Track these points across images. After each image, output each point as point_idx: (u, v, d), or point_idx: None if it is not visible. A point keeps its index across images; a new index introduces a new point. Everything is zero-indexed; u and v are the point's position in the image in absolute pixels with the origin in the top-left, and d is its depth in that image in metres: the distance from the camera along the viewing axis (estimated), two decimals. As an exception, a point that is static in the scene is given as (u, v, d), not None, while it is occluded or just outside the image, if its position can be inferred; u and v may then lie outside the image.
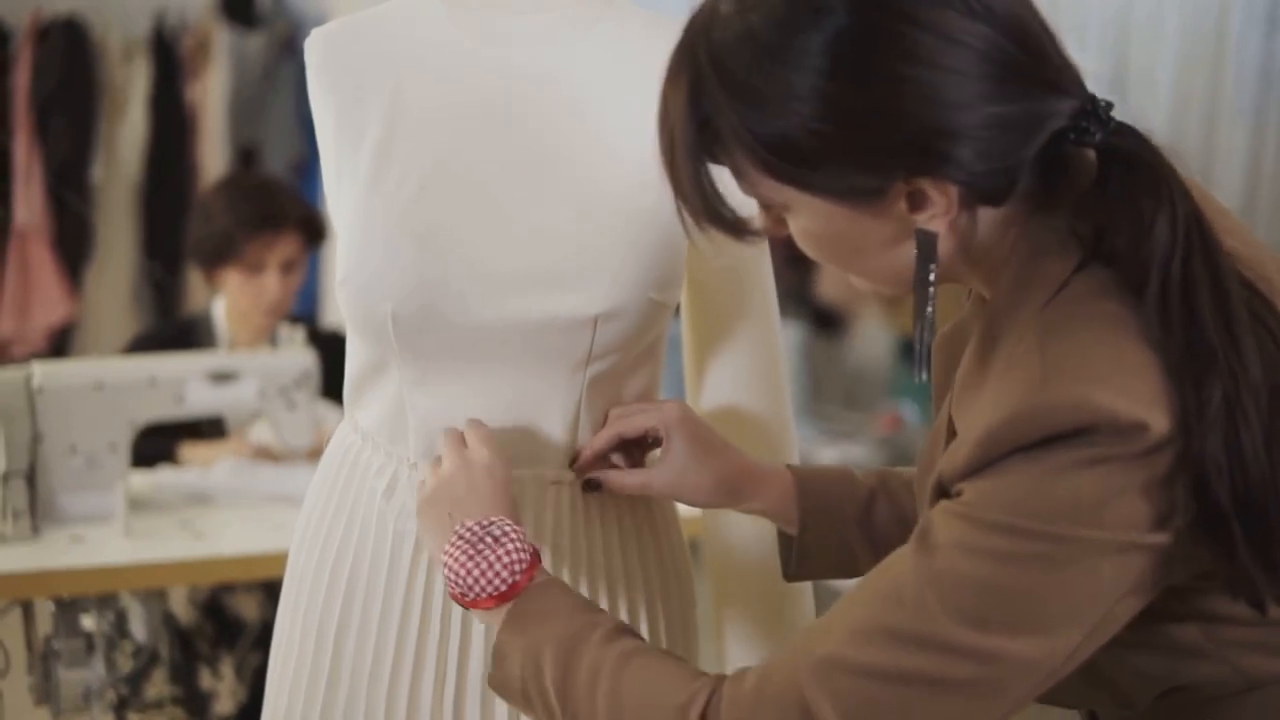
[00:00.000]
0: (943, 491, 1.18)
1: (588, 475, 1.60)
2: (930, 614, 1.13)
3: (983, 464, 1.14)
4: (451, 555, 1.41)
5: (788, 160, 1.18)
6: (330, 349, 3.32)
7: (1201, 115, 5.77)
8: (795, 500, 1.58)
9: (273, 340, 3.49)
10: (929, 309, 1.22)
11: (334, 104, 1.63)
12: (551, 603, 1.38)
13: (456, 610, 1.61)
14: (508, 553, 1.39)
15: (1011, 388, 1.14)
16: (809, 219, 1.23)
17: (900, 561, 1.17)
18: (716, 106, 1.18)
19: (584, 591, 1.63)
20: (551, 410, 1.60)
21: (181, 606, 3.35)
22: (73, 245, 5.99)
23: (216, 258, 3.51)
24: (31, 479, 2.88)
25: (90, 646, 2.85)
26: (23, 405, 2.89)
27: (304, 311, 4.81)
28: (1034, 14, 1.19)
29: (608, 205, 1.54)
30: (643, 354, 1.62)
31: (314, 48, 1.66)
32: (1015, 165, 1.17)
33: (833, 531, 1.58)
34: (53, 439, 2.92)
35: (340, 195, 1.62)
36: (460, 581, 1.40)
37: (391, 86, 1.61)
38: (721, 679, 1.24)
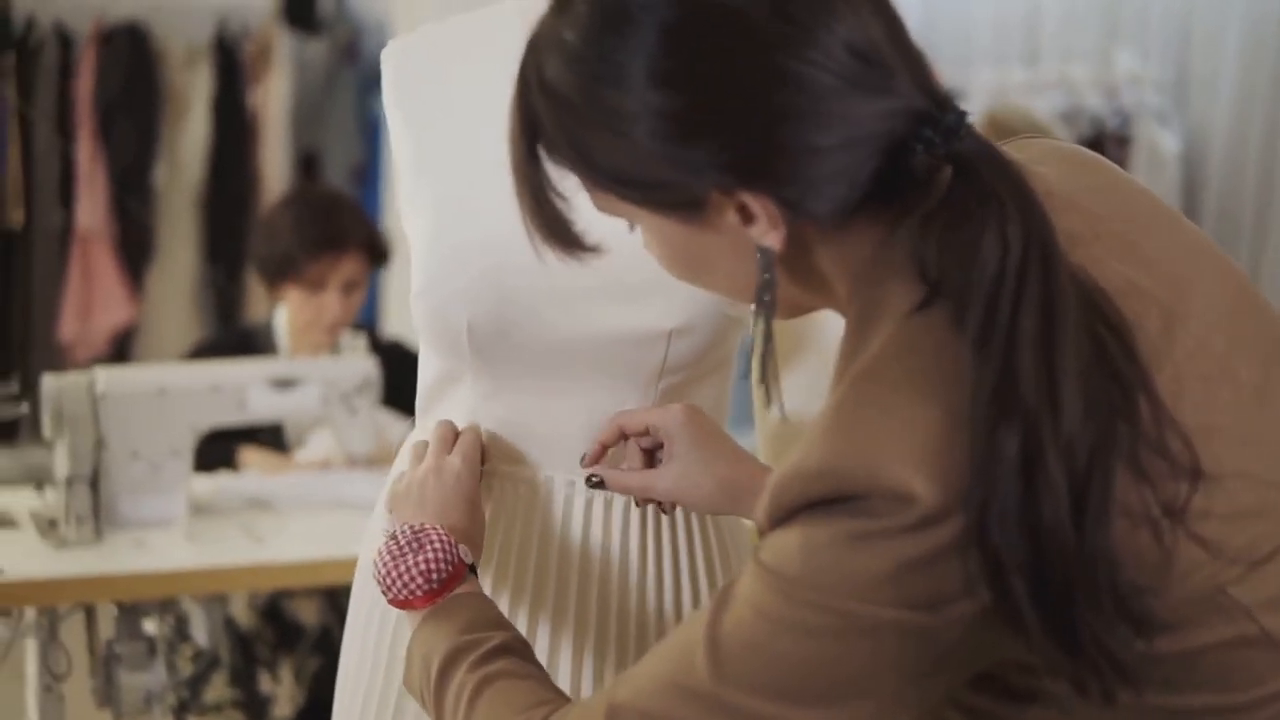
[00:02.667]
0: (759, 528, 1.12)
1: (590, 472, 1.56)
2: (717, 673, 1.09)
3: (777, 516, 1.08)
4: (380, 555, 1.44)
5: (612, 178, 1.14)
6: (390, 358, 3.34)
7: (1264, 123, 5.73)
8: None
9: (334, 347, 3.51)
10: (766, 331, 1.16)
11: (409, 117, 1.65)
12: (457, 615, 1.39)
13: (522, 614, 1.62)
14: (427, 561, 1.41)
15: (809, 440, 1.07)
16: (652, 233, 1.21)
17: (703, 615, 1.12)
18: (542, 125, 1.15)
19: (639, 607, 1.63)
20: None
21: (241, 611, 3.38)
22: (134, 249, 6.03)
23: (279, 275, 3.54)
24: (94, 484, 2.90)
25: (152, 650, 2.87)
26: (86, 411, 2.90)
27: (364, 320, 4.83)
28: (879, 11, 1.11)
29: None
30: (713, 367, 1.62)
31: (390, 60, 1.68)
32: (847, 178, 1.09)
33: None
34: (115, 444, 2.94)
35: (416, 207, 1.63)
36: (381, 581, 1.43)
37: (466, 99, 1.62)
38: (559, 707, 1.24)
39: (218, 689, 3.23)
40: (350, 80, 6.31)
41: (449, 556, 1.43)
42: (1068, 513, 1.00)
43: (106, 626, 2.92)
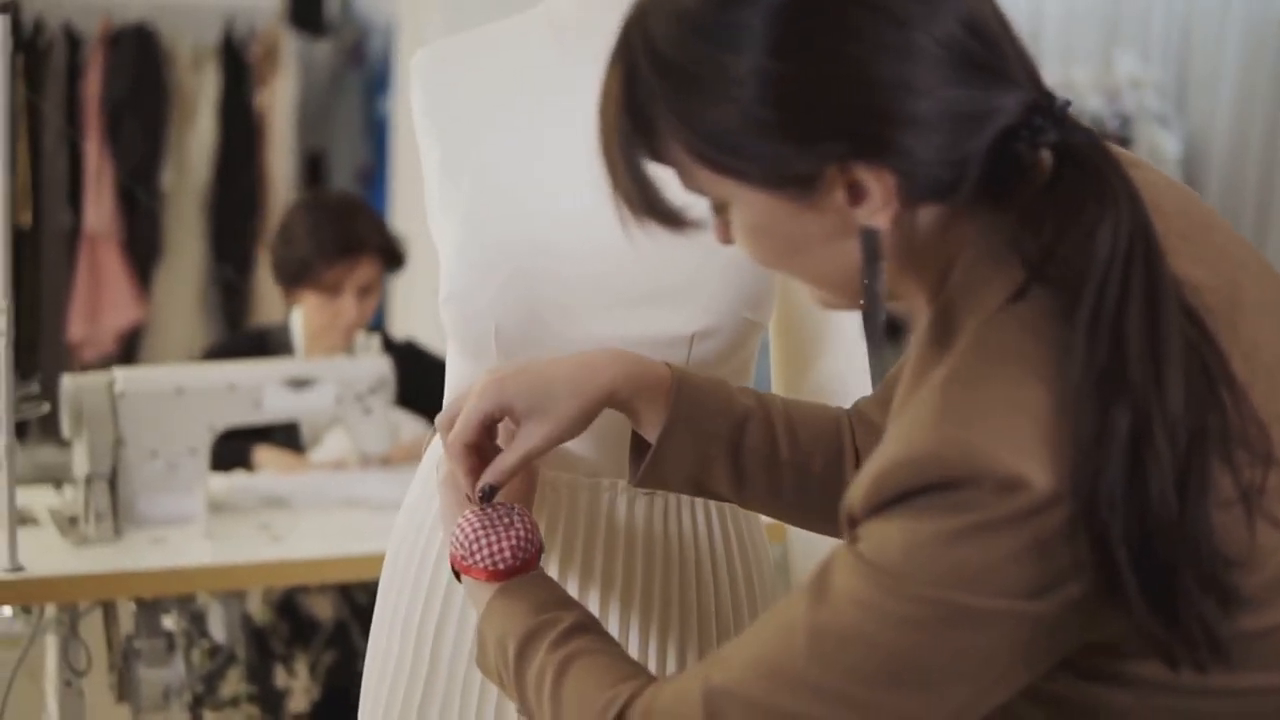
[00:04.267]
0: (849, 517, 1.12)
1: (479, 488, 1.47)
2: (817, 661, 1.10)
3: (875, 505, 1.08)
4: (467, 520, 1.44)
5: (722, 149, 1.13)
6: (403, 358, 3.38)
7: (1264, 125, 5.76)
8: (665, 401, 1.45)
9: (349, 347, 3.55)
10: (880, 314, 1.16)
11: (439, 122, 1.68)
12: (528, 596, 1.39)
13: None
14: (518, 535, 1.43)
15: (910, 426, 1.08)
16: (748, 213, 1.18)
17: (800, 601, 1.13)
18: (650, 94, 1.14)
19: (663, 597, 1.66)
20: None
21: (256, 607, 3.41)
22: (142, 249, 6.08)
23: (295, 280, 3.58)
24: (113, 482, 2.93)
25: (171, 646, 2.91)
26: (105, 410, 2.94)
27: (374, 321, 4.87)
28: (989, 3, 1.14)
29: (705, 224, 1.58)
30: (735, 369, 1.65)
31: (421, 67, 1.71)
32: (960, 159, 1.11)
33: (696, 444, 1.47)
34: (134, 443, 2.98)
35: (444, 212, 1.66)
36: (465, 544, 1.42)
37: (497, 106, 1.65)
38: (645, 683, 1.25)
39: (232, 683, 3.26)
40: (356, 82, 6.35)
41: (535, 540, 1.44)
42: (1173, 490, 1.03)
43: (125, 622, 2.95)
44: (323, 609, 3.44)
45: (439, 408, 3.88)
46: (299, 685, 3.40)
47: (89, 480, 2.91)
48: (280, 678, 3.40)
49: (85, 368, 5.66)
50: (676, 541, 1.66)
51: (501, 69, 1.69)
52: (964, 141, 1.10)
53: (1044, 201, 1.11)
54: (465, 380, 1.70)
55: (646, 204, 1.19)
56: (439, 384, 3.76)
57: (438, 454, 1.74)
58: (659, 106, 1.14)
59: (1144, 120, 5.67)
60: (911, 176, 1.11)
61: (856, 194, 1.12)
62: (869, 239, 1.14)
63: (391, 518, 3.11)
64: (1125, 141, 5.66)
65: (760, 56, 1.09)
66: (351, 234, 3.54)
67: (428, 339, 3.88)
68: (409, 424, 3.53)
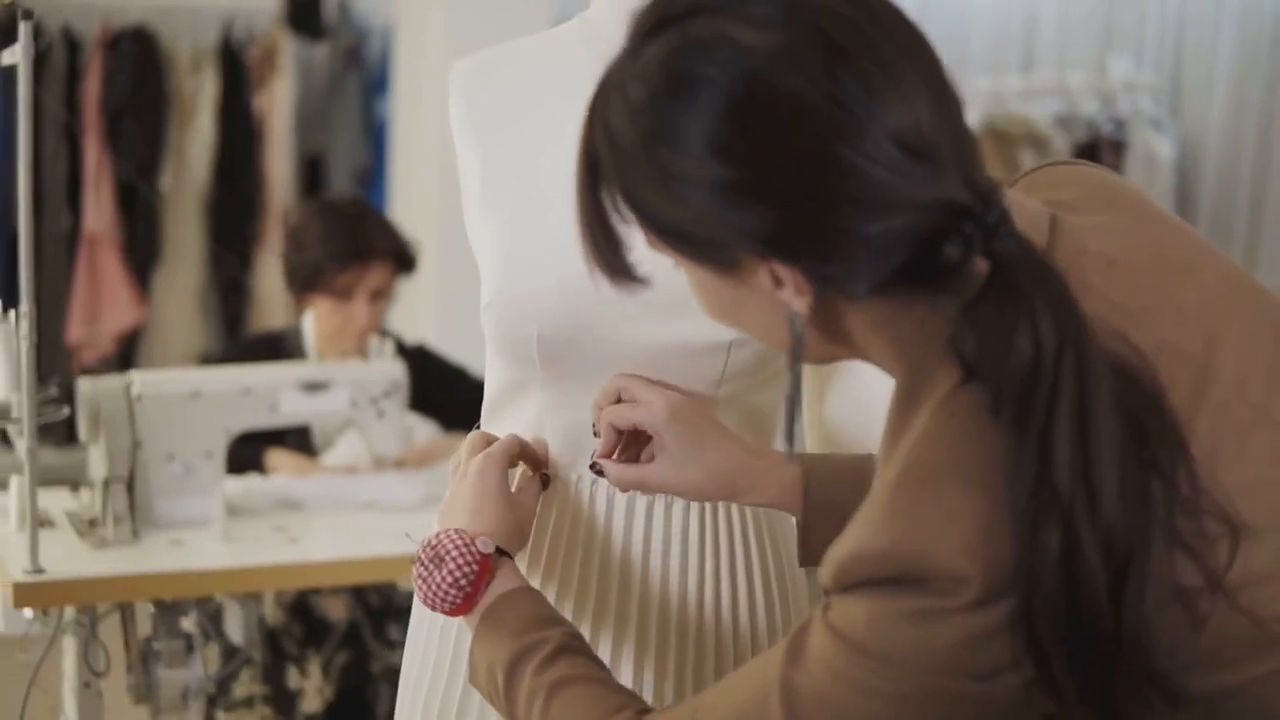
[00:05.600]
0: (823, 586, 1.19)
1: (597, 462, 1.61)
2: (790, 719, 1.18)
3: (842, 586, 1.15)
4: (414, 578, 1.51)
5: (659, 229, 1.20)
6: (415, 362, 3.41)
7: (1257, 129, 5.80)
8: (800, 494, 1.57)
9: (363, 351, 3.57)
10: (795, 388, 1.23)
11: (481, 132, 1.70)
12: (509, 618, 1.45)
13: (585, 613, 1.68)
14: (450, 573, 1.47)
15: (869, 522, 1.14)
16: (691, 276, 1.26)
17: (778, 658, 1.20)
18: (604, 164, 1.21)
19: (698, 599, 1.69)
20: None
21: (269, 608, 3.43)
22: (142, 251, 6.09)
23: (307, 285, 3.60)
24: (130, 485, 2.96)
25: (189, 647, 2.93)
26: (123, 413, 2.97)
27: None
28: (935, 99, 1.14)
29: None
30: (772, 375, 1.68)
31: (461, 79, 1.73)
32: (872, 268, 1.14)
33: (836, 527, 1.55)
34: (151, 446, 3.01)
35: (485, 219, 1.68)
36: (424, 602, 1.50)
37: (536, 114, 1.68)
38: (634, 712, 1.32)
39: (245, 684, 3.29)
40: (354, 84, 6.37)
41: (469, 558, 1.48)
42: (1106, 598, 1.08)
43: (143, 624, 2.97)
44: (335, 610, 3.47)
45: (450, 411, 3.90)
46: (312, 686, 3.43)
47: (107, 483, 2.93)
48: (293, 679, 3.42)
49: (85, 370, 5.68)
50: (709, 543, 1.69)
51: (539, 77, 1.71)
52: (884, 246, 1.12)
53: (978, 302, 1.14)
54: (504, 385, 1.72)
55: (601, 258, 1.26)
56: (449, 388, 3.77)
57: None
58: (610, 176, 1.21)
59: (1139, 124, 5.72)
60: (827, 275, 1.15)
61: (777, 279, 1.17)
62: (791, 320, 1.20)
63: (404, 520, 3.14)
64: (1120, 145, 5.70)
65: (687, 158, 1.14)
66: (363, 239, 3.57)
67: (413, 337, 3.91)
68: (421, 427, 3.55)
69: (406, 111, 5.87)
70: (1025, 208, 1.22)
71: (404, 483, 3.26)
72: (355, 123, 6.34)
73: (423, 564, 1.50)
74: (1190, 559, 1.11)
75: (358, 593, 3.46)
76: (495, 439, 1.65)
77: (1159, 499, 1.10)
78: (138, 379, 3.02)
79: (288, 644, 3.41)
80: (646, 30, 1.19)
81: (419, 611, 1.79)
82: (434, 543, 1.50)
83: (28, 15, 2.55)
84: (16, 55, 2.57)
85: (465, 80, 1.74)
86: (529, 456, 1.68)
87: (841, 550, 1.15)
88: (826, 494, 1.56)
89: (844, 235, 1.12)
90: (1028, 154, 5.53)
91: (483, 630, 1.47)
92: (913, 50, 1.15)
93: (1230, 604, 1.12)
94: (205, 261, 6.24)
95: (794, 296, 1.17)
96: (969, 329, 1.13)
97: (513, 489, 1.63)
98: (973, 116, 5.25)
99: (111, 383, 3.01)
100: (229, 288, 6.21)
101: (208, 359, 3.87)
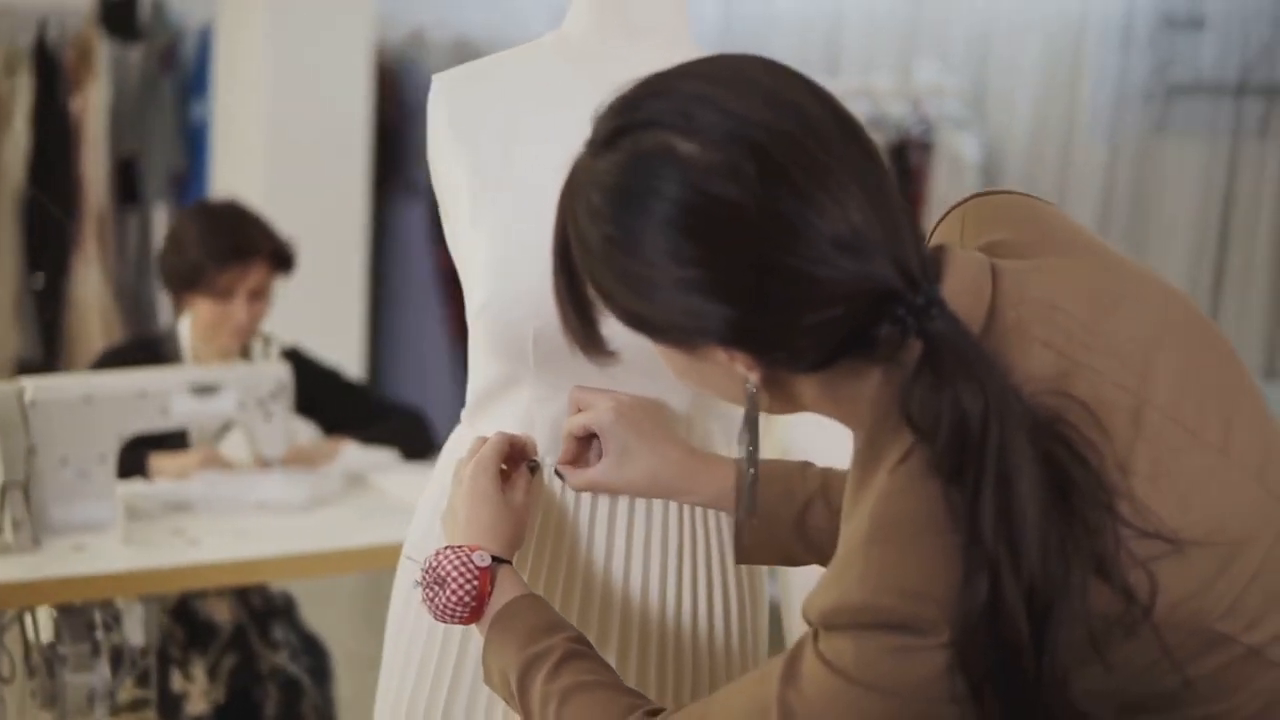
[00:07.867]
0: (808, 620, 1.29)
1: (557, 467, 1.73)
2: None
3: (829, 627, 1.25)
4: (423, 599, 1.60)
5: (620, 311, 1.32)
6: (289, 364, 3.45)
7: (1059, 135, 6.02)
8: (733, 496, 1.68)
9: (246, 355, 3.59)
10: (752, 449, 1.37)
11: (468, 142, 1.75)
12: (517, 626, 1.54)
13: (574, 606, 1.77)
14: (454, 592, 1.56)
15: (846, 574, 1.25)
16: (657, 348, 1.37)
17: (774, 677, 1.30)
18: (573, 248, 1.33)
19: (676, 595, 1.79)
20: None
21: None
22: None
23: (187, 286, 3.61)
24: (26, 490, 2.95)
25: (95, 651, 2.93)
26: (16, 419, 2.95)
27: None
28: (867, 192, 1.23)
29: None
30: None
31: (443, 90, 1.78)
32: (814, 348, 1.26)
33: (768, 531, 1.68)
34: (45, 451, 3.00)
35: (476, 225, 1.73)
36: (438, 619, 1.59)
37: (522, 120, 1.75)
38: (646, 717, 1.42)
39: (129, 689, 3.28)
40: (169, 86, 6.29)
41: (469, 575, 1.57)
42: (1028, 640, 1.19)
43: (46, 629, 2.96)
44: (220, 612, 3.48)
45: (328, 413, 3.92)
46: (197, 689, 3.44)
47: (4, 489, 2.92)
48: (178, 682, 3.43)
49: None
50: (687, 533, 1.79)
51: (522, 85, 1.78)
52: (823, 331, 1.24)
53: (917, 374, 1.24)
54: (493, 381, 1.78)
55: (573, 331, 1.40)
56: (323, 390, 3.80)
57: (458, 454, 1.81)
58: (581, 266, 1.33)
59: (945, 126, 5.90)
60: (773, 359, 1.28)
61: (730, 357, 1.29)
62: (747, 386, 1.32)
63: (293, 519, 3.19)
64: (928, 146, 5.89)
65: (644, 264, 1.25)
66: (243, 239, 3.59)
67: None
68: (303, 429, 3.58)
69: (226, 113, 5.84)
70: (968, 265, 1.31)
71: (291, 483, 3.29)
72: (170, 125, 6.26)
73: (427, 585, 1.58)
74: (1125, 587, 1.22)
75: (241, 595, 3.49)
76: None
77: (1083, 547, 1.21)
78: (30, 385, 3.01)
79: (171, 647, 3.42)
80: (604, 140, 1.30)
81: (398, 614, 1.84)
82: (434, 564, 1.58)
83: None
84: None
85: (449, 90, 1.79)
86: (517, 449, 1.74)
87: (826, 600, 1.26)
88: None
89: (786, 328, 1.24)
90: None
91: (492, 637, 1.55)
92: (846, 147, 1.25)
93: (1171, 618, 1.23)
94: (21, 268, 6.12)
95: (746, 371, 1.29)
96: (911, 394, 1.24)
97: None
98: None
99: (4, 388, 3.00)
100: (46, 294, 6.10)
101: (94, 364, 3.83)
